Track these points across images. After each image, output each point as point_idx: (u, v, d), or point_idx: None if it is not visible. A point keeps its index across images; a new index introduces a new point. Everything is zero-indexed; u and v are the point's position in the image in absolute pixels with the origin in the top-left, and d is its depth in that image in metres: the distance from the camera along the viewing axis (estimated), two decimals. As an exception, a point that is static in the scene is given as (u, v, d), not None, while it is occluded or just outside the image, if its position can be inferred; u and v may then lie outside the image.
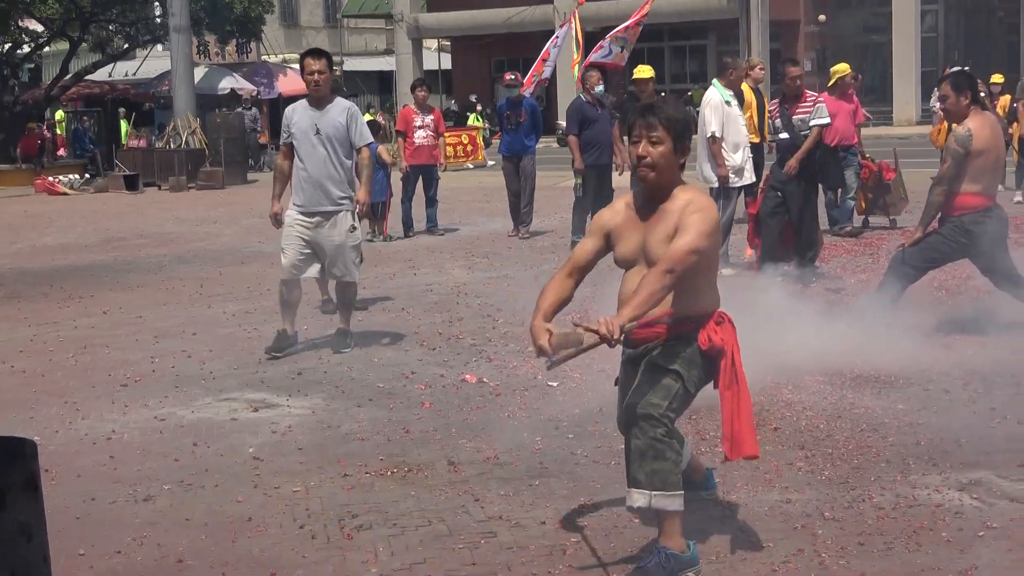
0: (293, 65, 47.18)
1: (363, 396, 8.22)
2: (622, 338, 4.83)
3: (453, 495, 6.10)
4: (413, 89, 17.85)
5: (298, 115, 9.64)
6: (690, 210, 5.00)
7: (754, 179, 13.25)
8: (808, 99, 12.46)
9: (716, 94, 12.80)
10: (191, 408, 8.08)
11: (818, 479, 6.10)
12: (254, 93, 42.84)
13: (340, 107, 9.63)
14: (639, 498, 4.94)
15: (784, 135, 12.31)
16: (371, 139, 9.81)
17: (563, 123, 24.87)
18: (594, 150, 15.08)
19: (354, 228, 9.64)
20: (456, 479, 6.36)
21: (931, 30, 46.24)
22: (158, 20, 38.62)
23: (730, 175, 12.53)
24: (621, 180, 16.06)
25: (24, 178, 32.46)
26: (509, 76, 17.70)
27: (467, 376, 8.58)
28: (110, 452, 7.12)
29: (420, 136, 17.05)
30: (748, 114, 15.33)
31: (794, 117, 12.29)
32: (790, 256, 12.17)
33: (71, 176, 32.19)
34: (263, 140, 37.74)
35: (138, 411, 8.07)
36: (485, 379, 8.51)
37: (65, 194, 29.59)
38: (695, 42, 45.70)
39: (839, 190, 15.47)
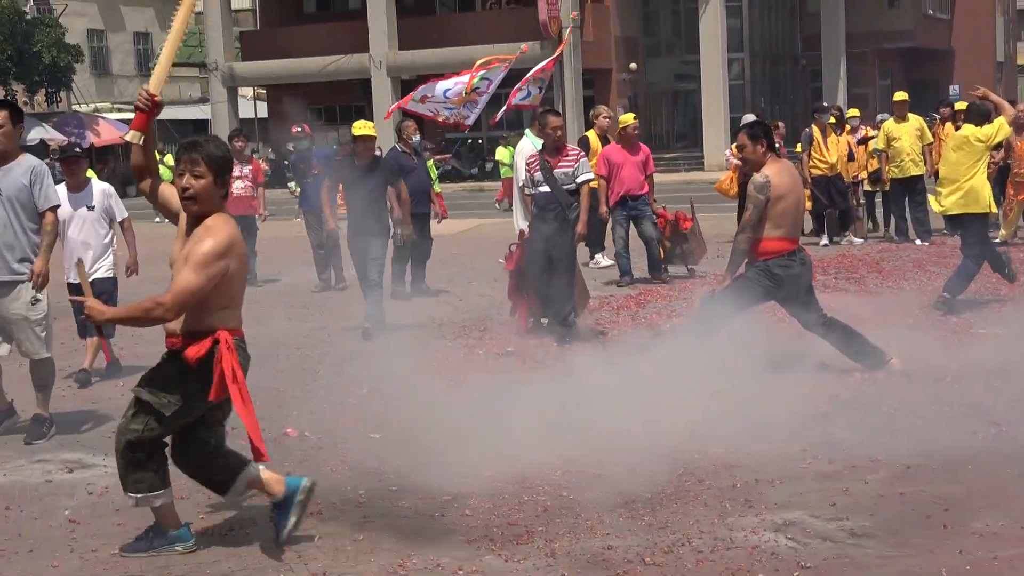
0: (105, 115, 46.45)
1: (182, 453, 8.08)
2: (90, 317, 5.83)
3: (277, 552, 6.04)
4: (230, 139, 17.68)
5: None
6: (195, 239, 5.84)
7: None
8: (570, 153, 12.04)
9: (528, 144, 13.00)
10: (2, 471, 7.87)
11: (639, 524, 6.20)
12: (65, 143, 41.93)
13: (24, 166, 8.65)
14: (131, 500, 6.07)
15: (544, 188, 11.82)
16: (57, 201, 8.83)
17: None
18: (412, 199, 15.11)
19: (36, 300, 8.63)
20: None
21: (738, 77, 47.57)
22: (-38, 69, 37.63)
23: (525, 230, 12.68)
24: (439, 228, 16.18)
25: None
26: (296, 128, 17.70)
27: (288, 430, 8.52)
28: (-84, 519, 6.88)
29: (238, 187, 16.91)
30: (594, 160, 15.58)
31: (556, 170, 11.83)
32: (548, 312, 11.91)
33: None
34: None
35: (-53, 475, 7.82)
36: (307, 432, 8.46)
37: None
38: (510, 89, 46.09)
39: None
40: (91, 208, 10.70)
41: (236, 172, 16.86)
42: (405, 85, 44.30)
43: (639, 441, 7.58)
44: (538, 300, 11.94)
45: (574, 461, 7.26)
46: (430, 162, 30.45)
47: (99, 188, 10.96)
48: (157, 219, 27.29)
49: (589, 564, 5.70)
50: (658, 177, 17.94)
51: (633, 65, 45.67)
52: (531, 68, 16.69)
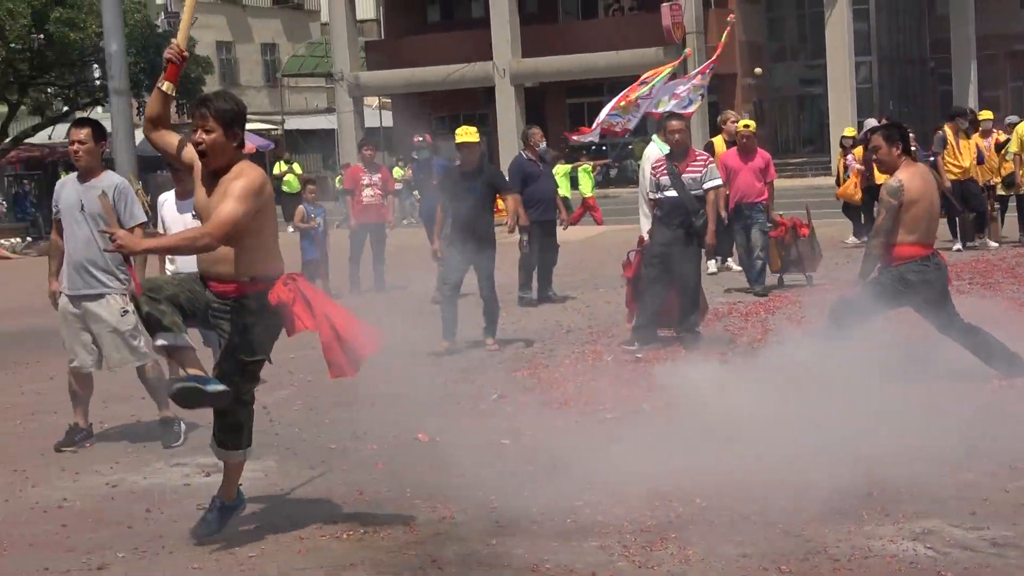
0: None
1: (315, 457, 8.20)
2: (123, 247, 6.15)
3: (410, 556, 6.09)
4: (360, 148, 17.94)
5: (66, 190, 8.94)
6: (229, 179, 6.17)
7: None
8: (698, 157, 11.86)
9: (655, 149, 12.95)
10: (143, 474, 8.04)
11: (773, 532, 6.14)
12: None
13: (107, 183, 8.80)
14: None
15: (671, 193, 11.63)
16: (144, 218, 8.94)
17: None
18: (537, 206, 15.17)
19: (125, 312, 8.79)
20: (412, 540, 6.35)
21: (865, 81, 46.85)
22: (97, 83, 38.51)
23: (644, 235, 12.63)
24: (566, 234, 16.19)
25: (-37, 243, 32.26)
26: (417, 138, 17.50)
27: (420, 435, 8.58)
28: (62, 520, 7.06)
29: (368, 195, 17.12)
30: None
31: (684, 175, 11.64)
32: (671, 322, 11.82)
33: (12, 240, 32.01)
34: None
35: (89, 478, 8.02)
36: (438, 438, 8.50)
37: (7, 258, 29.39)
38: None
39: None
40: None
41: (366, 180, 17.07)
42: (528, 93, 44.44)
43: (773, 448, 7.49)
44: (658, 308, 11.71)
45: (706, 469, 7.20)
46: (587, 167, 30.68)
47: None
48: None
49: (723, 571, 5.66)
50: (785, 183, 17.76)
51: (758, 70, 45.23)
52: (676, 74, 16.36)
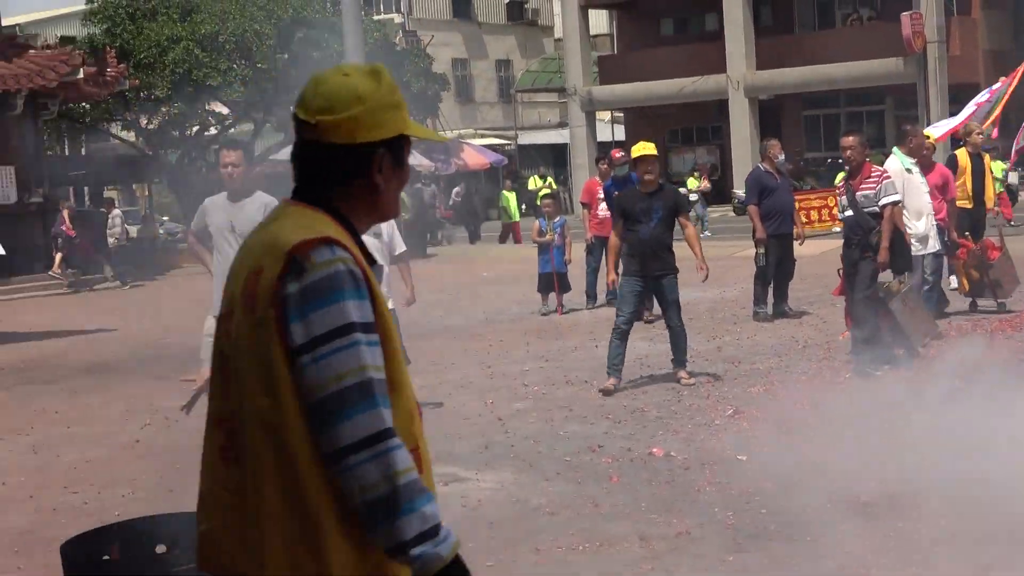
0: (469, 140, 48.06)
1: (551, 470, 8.24)
2: None
3: (647, 570, 6.07)
4: (597, 162, 18.05)
5: (217, 210, 9.00)
6: None
7: (939, 247, 12.98)
8: (872, 174, 11.26)
9: (896, 162, 12.60)
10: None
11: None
12: (432, 169, 43.55)
13: (259, 202, 8.81)
14: None
15: (849, 212, 11.32)
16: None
17: (741, 192, 24.71)
18: (774, 219, 14.97)
19: None
20: (648, 554, 6.33)
21: (1118, 89, 44.96)
22: (338, 100, 39.57)
23: (913, 243, 12.28)
24: (802, 249, 15.92)
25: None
26: (618, 153, 16.99)
27: (655, 449, 8.55)
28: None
29: (604, 208, 17.14)
30: (961, 180, 14.83)
31: (857, 193, 11.19)
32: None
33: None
34: (441, 215, 38.30)
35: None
36: (673, 452, 8.46)
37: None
38: (872, 107, 45.12)
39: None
40: (378, 236, 10.44)
41: (602, 194, 17.06)
42: (763, 105, 43.99)
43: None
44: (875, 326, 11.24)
45: (949, 484, 6.97)
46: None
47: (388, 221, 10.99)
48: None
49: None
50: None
51: (1003, 79, 43.81)
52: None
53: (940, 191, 13.52)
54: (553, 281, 17.03)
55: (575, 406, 10.26)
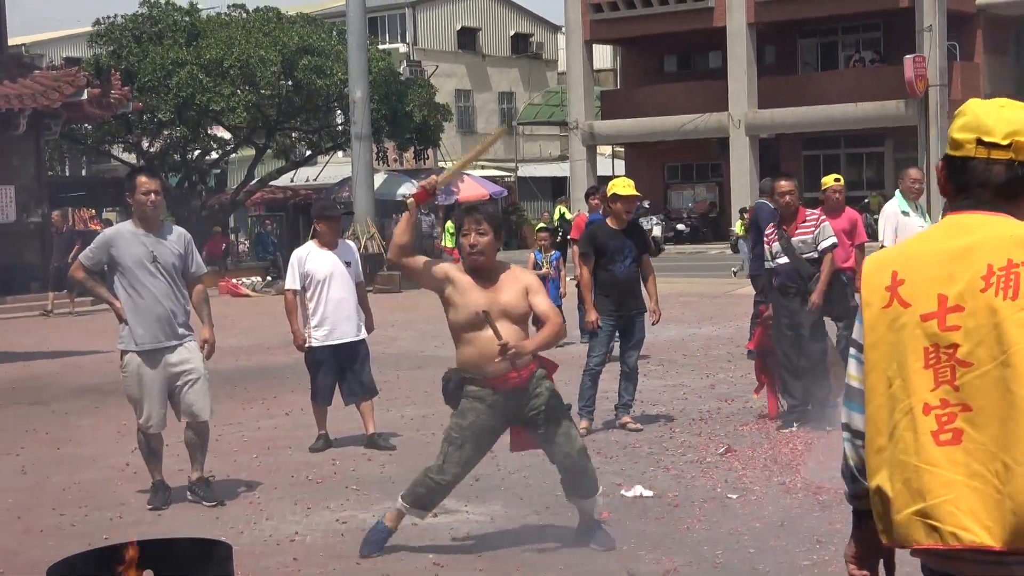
0: (469, 171, 48.16)
1: (541, 504, 8.23)
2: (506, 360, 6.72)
3: (633, 608, 6.05)
4: (587, 197, 17.65)
5: (128, 241, 8.53)
6: (515, 278, 7.09)
7: None
8: (808, 218, 10.88)
9: (893, 204, 12.46)
10: (372, 511, 8.18)
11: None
12: (326, 201, 43.55)
13: (176, 233, 8.71)
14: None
15: (783, 259, 10.77)
16: (205, 269, 9.19)
17: (738, 230, 24.62)
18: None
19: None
20: (636, 591, 6.31)
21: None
22: (340, 128, 39.74)
23: None
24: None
25: (209, 280, 33.40)
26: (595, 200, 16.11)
27: (641, 490, 8.52)
28: (293, 554, 7.24)
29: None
30: None
31: (793, 239, 10.74)
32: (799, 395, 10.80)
33: (254, 279, 33.12)
34: (441, 245, 38.39)
35: (320, 513, 8.21)
36: (664, 491, 8.44)
37: (248, 296, 30.44)
38: (872, 149, 45.26)
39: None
40: (349, 265, 10.47)
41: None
42: (763, 144, 44.11)
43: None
44: (789, 381, 10.83)
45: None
46: None
47: (352, 245, 11.06)
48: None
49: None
50: None
51: (1003, 124, 43.90)
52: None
53: (848, 236, 12.49)
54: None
55: (567, 440, 10.24)
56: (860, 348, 3.09)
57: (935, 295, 2.98)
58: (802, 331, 10.62)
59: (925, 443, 2.93)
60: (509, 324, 6.84)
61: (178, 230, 8.83)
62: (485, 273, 6.99)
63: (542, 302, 7.08)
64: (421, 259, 7.23)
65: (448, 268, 7.13)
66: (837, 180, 12.86)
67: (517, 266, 7.31)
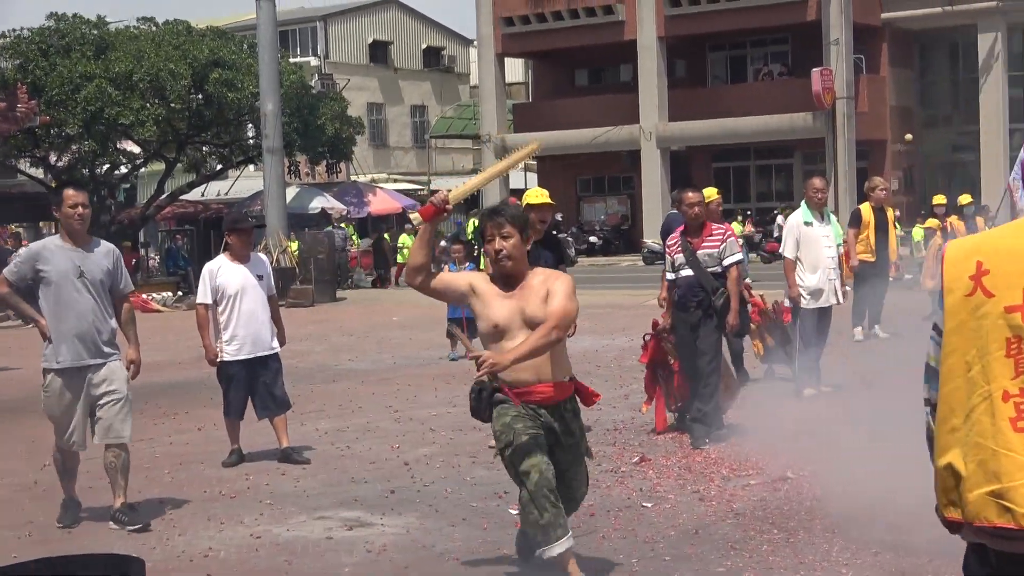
0: (382, 185, 48.12)
1: (457, 515, 8.22)
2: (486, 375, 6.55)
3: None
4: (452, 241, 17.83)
5: (55, 255, 8.33)
6: (544, 283, 6.42)
7: (838, 301, 12.56)
8: (715, 232, 10.65)
9: (797, 216, 12.62)
10: (286, 526, 8.13)
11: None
12: (344, 212, 43.47)
13: (104, 248, 8.55)
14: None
15: (687, 272, 10.55)
16: (133, 287, 8.97)
17: (651, 242, 24.89)
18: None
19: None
20: (552, 601, 6.32)
21: (1019, 149, 45.96)
22: (251, 142, 39.51)
23: (803, 295, 12.32)
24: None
25: (118, 295, 33.16)
26: (514, 201, 16.11)
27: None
28: (207, 569, 7.17)
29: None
30: (865, 233, 14.98)
31: (698, 252, 10.55)
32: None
33: (164, 294, 32.81)
34: (353, 259, 38.21)
35: (234, 528, 8.14)
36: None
37: (158, 311, 30.12)
38: (780, 161, 45.75)
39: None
40: (261, 278, 10.41)
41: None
42: (674, 156, 44.44)
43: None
44: (685, 393, 10.77)
45: (863, 522, 7.05)
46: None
47: (264, 259, 11.02)
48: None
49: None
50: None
51: (908, 136, 44.64)
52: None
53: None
54: (463, 326, 17.02)
55: (482, 452, 10.24)
56: (940, 332, 3.19)
57: (1020, 289, 3.07)
58: (699, 344, 10.42)
59: (1003, 428, 3.04)
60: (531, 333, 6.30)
61: (106, 245, 8.64)
62: (514, 280, 6.46)
63: (553, 303, 6.33)
64: (441, 279, 6.74)
65: (473, 278, 6.65)
66: (719, 193, 13.35)
67: (550, 271, 6.72)
